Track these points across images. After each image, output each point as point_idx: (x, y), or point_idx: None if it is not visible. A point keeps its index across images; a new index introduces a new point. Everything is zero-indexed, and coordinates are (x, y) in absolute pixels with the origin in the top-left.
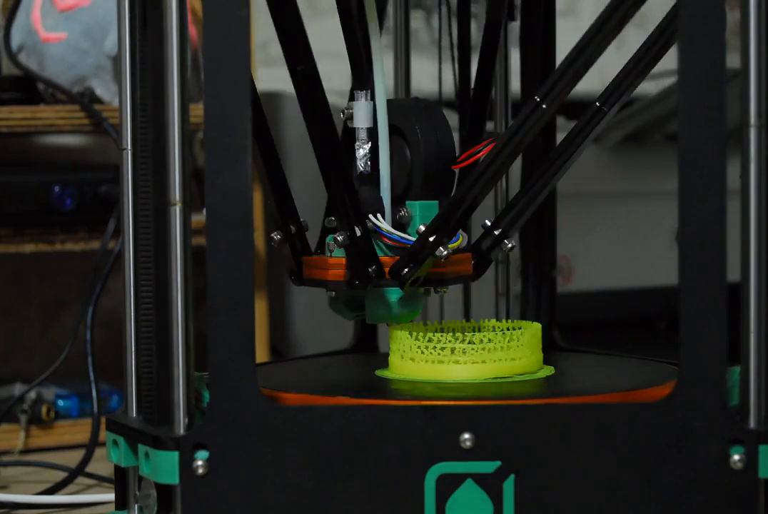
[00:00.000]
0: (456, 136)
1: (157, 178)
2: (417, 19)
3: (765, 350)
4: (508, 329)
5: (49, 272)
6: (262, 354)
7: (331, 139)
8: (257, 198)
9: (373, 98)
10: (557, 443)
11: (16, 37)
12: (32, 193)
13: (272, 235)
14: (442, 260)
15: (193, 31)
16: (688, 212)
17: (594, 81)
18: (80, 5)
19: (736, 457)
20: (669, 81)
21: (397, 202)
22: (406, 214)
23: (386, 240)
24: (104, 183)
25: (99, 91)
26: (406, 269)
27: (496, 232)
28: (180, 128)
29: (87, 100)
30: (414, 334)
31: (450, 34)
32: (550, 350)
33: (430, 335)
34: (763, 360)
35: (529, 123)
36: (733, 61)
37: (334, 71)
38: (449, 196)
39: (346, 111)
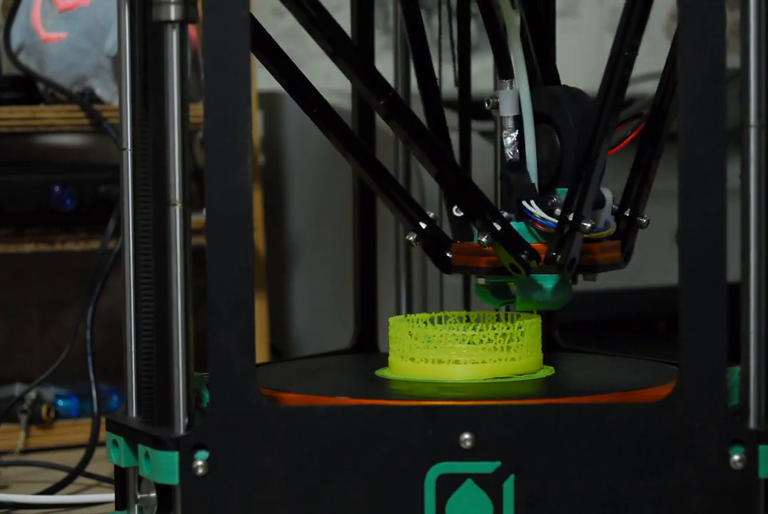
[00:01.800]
0: (455, 135)
1: (157, 178)
2: None
3: (765, 350)
4: (508, 329)
5: (49, 272)
6: (262, 354)
7: (443, 144)
8: (257, 198)
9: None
10: (557, 443)
11: (16, 37)
12: (32, 193)
13: (407, 237)
14: (589, 236)
15: (193, 31)
16: (688, 212)
17: (595, 82)
18: (80, 5)
19: (736, 457)
20: None
21: (548, 189)
22: (558, 201)
23: (539, 226)
24: (104, 183)
25: (99, 91)
26: (556, 253)
27: (627, 214)
28: (180, 128)
29: (87, 100)
30: (414, 334)
31: (450, 34)
32: (550, 350)
33: (429, 335)
34: (763, 360)
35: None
36: (733, 61)
37: (333, 71)
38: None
39: (491, 100)
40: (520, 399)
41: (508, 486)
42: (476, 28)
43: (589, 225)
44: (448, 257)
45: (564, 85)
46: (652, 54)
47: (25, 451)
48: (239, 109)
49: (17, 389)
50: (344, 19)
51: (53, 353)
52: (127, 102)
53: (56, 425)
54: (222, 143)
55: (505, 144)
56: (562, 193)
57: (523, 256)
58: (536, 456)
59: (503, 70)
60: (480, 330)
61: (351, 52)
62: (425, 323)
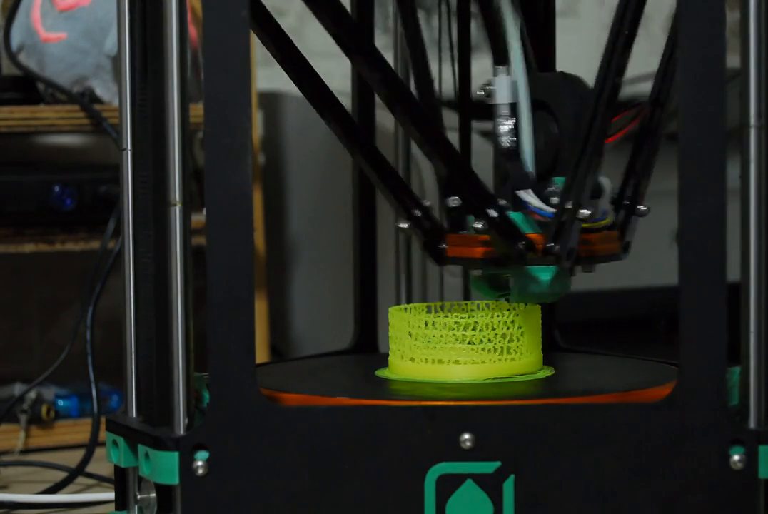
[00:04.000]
0: (455, 135)
1: (157, 178)
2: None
3: (765, 350)
4: (508, 329)
5: (49, 272)
6: (262, 354)
7: (441, 134)
8: (257, 198)
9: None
10: (557, 443)
11: (16, 37)
12: (32, 193)
13: (397, 225)
14: (587, 226)
15: (193, 31)
16: (688, 212)
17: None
18: (80, 5)
19: (736, 457)
20: None
21: (545, 179)
22: (555, 190)
23: (536, 216)
24: (104, 183)
25: (99, 91)
26: (553, 243)
27: (626, 203)
28: (180, 128)
29: (87, 100)
30: (413, 334)
31: (450, 34)
32: (550, 350)
33: (429, 335)
34: (763, 360)
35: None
36: (733, 61)
37: (334, 71)
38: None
39: (486, 88)
40: (520, 399)
41: (508, 486)
42: (476, 29)
43: (587, 212)
44: (441, 249)
45: (561, 72)
46: (652, 54)
47: (25, 451)
48: (239, 109)
49: (17, 389)
50: None
51: (53, 353)
52: (127, 102)
53: (56, 425)
54: (222, 143)
55: (500, 132)
56: (559, 182)
57: (519, 246)
58: (536, 456)
59: (498, 56)
60: (480, 330)
61: (353, 28)
62: (425, 323)
